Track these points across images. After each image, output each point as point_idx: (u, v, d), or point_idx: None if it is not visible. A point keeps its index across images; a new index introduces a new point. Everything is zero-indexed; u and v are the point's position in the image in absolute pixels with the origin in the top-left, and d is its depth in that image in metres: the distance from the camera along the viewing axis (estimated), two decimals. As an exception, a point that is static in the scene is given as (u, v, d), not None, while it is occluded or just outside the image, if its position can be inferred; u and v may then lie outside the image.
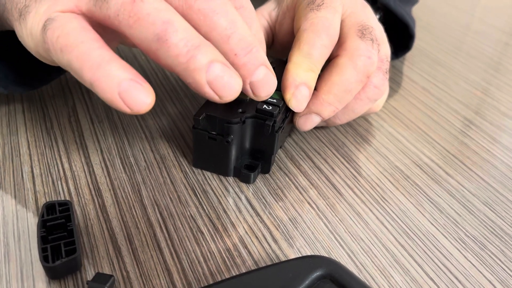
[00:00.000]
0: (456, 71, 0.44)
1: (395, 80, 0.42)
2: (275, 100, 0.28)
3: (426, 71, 0.44)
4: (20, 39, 0.25)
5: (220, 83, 0.22)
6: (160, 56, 0.22)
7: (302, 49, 0.28)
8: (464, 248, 0.26)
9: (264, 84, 0.25)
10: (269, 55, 0.29)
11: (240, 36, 0.23)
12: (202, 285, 0.22)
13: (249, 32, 0.24)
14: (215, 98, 0.23)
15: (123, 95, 0.20)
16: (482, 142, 0.35)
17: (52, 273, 0.22)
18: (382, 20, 0.41)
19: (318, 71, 0.29)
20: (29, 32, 0.23)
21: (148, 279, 0.23)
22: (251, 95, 0.25)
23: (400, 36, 0.42)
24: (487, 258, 0.25)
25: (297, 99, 0.28)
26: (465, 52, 0.48)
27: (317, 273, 0.21)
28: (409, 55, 0.46)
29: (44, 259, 0.22)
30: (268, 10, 0.35)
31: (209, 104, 0.27)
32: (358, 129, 0.35)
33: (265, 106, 0.27)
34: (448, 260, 0.25)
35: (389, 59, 0.32)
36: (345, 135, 0.34)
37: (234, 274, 0.23)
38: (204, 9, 0.23)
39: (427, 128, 0.36)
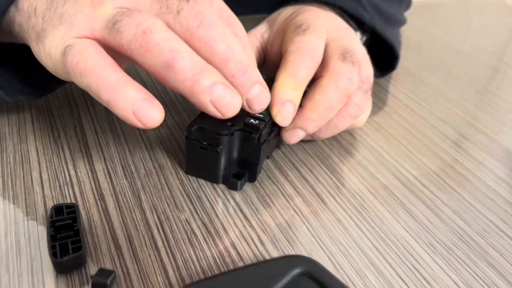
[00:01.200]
0: (439, 90, 0.47)
1: (380, 97, 0.45)
2: (262, 116, 0.30)
3: (410, 90, 0.47)
4: (36, 56, 0.28)
5: (222, 102, 0.26)
6: (168, 81, 0.25)
7: (288, 70, 0.31)
8: (433, 252, 0.28)
9: (258, 99, 0.28)
10: (260, 73, 0.32)
11: (236, 59, 0.26)
12: (194, 281, 0.25)
13: (245, 55, 0.27)
14: (218, 115, 0.26)
15: (137, 113, 0.24)
16: (459, 157, 0.37)
17: (60, 268, 0.24)
18: (369, 42, 0.44)
19: (303, 90, 0.32)
20: (47, 54, 0.26)
21: (146, 275, 0.25)
22: (247, 109, 0.29)
23: (386, 56, 0.45)
24: (454, 261, 0.28)
25: (282, 115, 0.31)
26: (449, 73, 0.51)
27: (297, 271, 0.24)
28: (395, 73, 0.49)
29: (53, 255, 0.24)
30: (261, 32, 0.38)
31: (201, 116, 0.30)
32: (342, 142, 0.38)
33: (252, 120, 0.30)
34: (418, 263, 0.28)
35: (370, 79, 0.35)
36: (330, 148, 0.37)
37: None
38: (205, 37, 0.26)
39: (407, 143, 0.38)
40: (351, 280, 0.26)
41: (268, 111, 0.31)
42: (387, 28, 0.44)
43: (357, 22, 0.41)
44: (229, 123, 0.30)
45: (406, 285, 0.26)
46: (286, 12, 0.38)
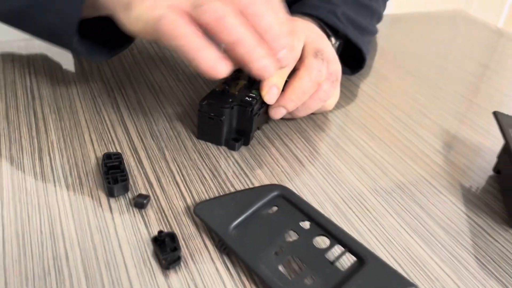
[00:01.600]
0: (398, 85, 0.58)
1: (349, 89, 0.56)
2: (254, 95, 0.41)
3: (374, 84, 0.58)
4: (121, 23, 0.38)
5: (265, 68, 0.35)
6: (235, 51, 0.34)
7: None
8: (376, 194, 0.39)
9: (285, 59, 0.37)
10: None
11: (272, 32, 0.36)
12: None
13: (277, 27, 0.36)
14: (260, 75, 0.35)
15: (213, 68, 0.34)
16: (405, 133, 0.48)
17: (111, 192, 0.35)
18: (343, 46, 0.55)
19: (285, 78, 0.43)
20: (135, 19, 0.36)
21: (170, 200, 0.36)
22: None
23: (356, 58, 0.57)
24: (392, 201, 0.39)
25: (269, 95, 0.42)
26: (407, 72, 0.62)
27: (274, 193, 0.35)
28: (364, 72, 0.60)
29: (107, 182, 0.35)
30: None
31: (210, 95, 0.41)
32: (316, 121, 0.49)
33: (247, 98, 0.41)
34: (365, 201, 0.38)
35: (337, 73, 0.46)
36: (306, 124, 0.48)
37: (224, 201, 0.36)
38: (252, 13, 0.35)
39: (368, 122, 0.49)
40: (313, 204, 0.37)
41: (258, 92, 0.42)
42: (357, 36, 0.55)
43: (332, 30, 0.53)
44: (230, 100, 0.41)
45: (355, 214, 0.37)
46: None
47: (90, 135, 0.42)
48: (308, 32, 0.47)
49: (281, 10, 0.39)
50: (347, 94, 0.55)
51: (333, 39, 0.53)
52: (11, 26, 0.45)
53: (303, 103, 0.45)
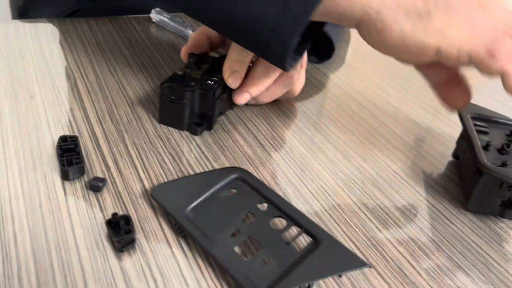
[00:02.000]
0: (364, 74, 0.59)
1: (315, 77, 0.56)
2: (217, 79, 0.41)
3: (342, 73, 0.58)
4: (378, 36, 0.33)
5: None
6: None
7: (235, 49, 0.42)
8: (337, 178, 0.39)
9: None
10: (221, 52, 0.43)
11: None
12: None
13: None
14: None
15: None
16: (369, 119, 0.48)
17: (65, 175, 0.34)
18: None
19: (247, 63, 0.42)
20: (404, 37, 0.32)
21: (127, 183, 0.35)
22: None
23: (326, 48, 0.57)
24: (351, 184, 0.39)
25: (232, 79, 0.41)
26: (377, 64, 0.62)
27: (233, 176, 0.34)
28: (333, 61, 0.60)
29: (62, 165, 0.34)
30: None
31: (171, 77, 0.40)
32: (281, 107, 0.48)
33: (209, 82, 0.40)
34: (326, 184, 0.38)
35: (302, 60, 0.46)
36: (271, 110, 0.48)
37: (184, 184, 0.36)
38: None
39: (331, 108, 0.49)
40: (273, 188, 0.37)
41: (220, 77, 0.42)
42: (328, 26, 0.55)
43: None
44: (192, 83, 0.40)
45: (315, 197, 0.37)
46: None
47: (47, 119, 0.41)
48: None
49: None
50: (315, 83, 0.55)
51: None
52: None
53: (268, 89, 0.44)
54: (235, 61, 0.42)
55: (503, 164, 0.36)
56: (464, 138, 0.40)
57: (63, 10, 0.64)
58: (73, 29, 0.57)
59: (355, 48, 0.66)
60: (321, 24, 0.39)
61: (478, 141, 0.38)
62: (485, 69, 0.31)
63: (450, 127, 0.49)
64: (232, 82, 0.41)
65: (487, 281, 0.32)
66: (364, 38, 0.35)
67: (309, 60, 0.56)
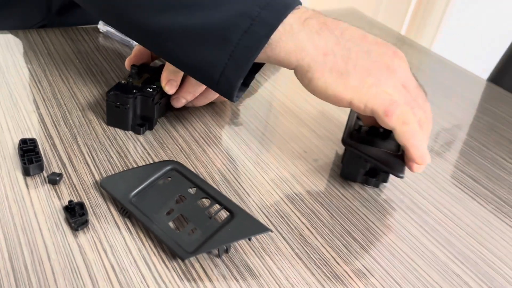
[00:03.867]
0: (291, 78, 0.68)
1: (249, 80, 0.64)
2: (155, 87, 0.49)
3: (269, 77, 0.67)
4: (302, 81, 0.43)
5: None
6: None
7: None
8: (259, 167, 0.48)
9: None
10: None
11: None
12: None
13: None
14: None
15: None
16: (288, 116, 0.58)
17: (26, 172, 0.41)
18: None
19: (181, 74, 0.50)
20: (324, 87, 0.41)
21: (81, 176, 0.42)
22: None
23: None
24: (270, 172, 0.48)
25: (168, 87, 0.49)
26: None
27: (168, 167, 0.42)
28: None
29: (23, 163, 0.41)
30: None
31: (116, 86, 0.48)
32: (215, 108, 0.57)
33: (149, 89, 0.48)
34: (249, 173, 0.47)
35: None
36: (206, 111, 0.56)
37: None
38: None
39: (258, 108, 0.58)
40: (205, 177, 0.45)
41: (159, 84, 0.49)
42: None
43: None
44: (134, 91, 0.47)
45: (238, 182, 0.45)
46: None
47: (7, 124, 0.47)
48: None
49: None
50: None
51: None
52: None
53: (201, 94, 0.52)
54: (171, 71, 0.49)
55: (362, 142, 0.46)
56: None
57: (31, 24, 0.68)
58: (25, 40, 0.63)
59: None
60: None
61: (353, 124, 0.49)
62: (381, 123, 0.41)
63: (357, 120, 0.59)
64: (169, 89, 0.49)
65: (366, 239, 0.42)
66: (299, 80, 0.44)
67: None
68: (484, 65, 1.01)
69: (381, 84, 0.41)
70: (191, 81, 0.50)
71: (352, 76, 0.41)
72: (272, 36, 0.40)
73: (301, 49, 0.41)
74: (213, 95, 0.54)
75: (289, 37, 0.41)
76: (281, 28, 0.40)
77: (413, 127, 0.40)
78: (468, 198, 0.49)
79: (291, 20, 0.41)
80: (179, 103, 0.51)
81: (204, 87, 0.52)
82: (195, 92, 0.51)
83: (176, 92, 0.51)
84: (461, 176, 0.52)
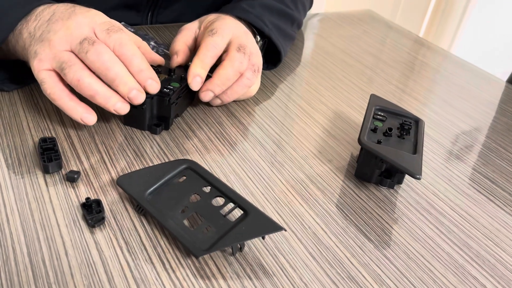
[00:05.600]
0: (303, 78, 0.68)
1: (262, 82, 0.65)
2: (172, 87, 0.49)
3: (284, 78, 0.67)
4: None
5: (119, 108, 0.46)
6: (94, 100, 0.45)
7: (199, 57, 0.51)
8: (272, 166, 0.48)
9: (149, 87, 0.47)
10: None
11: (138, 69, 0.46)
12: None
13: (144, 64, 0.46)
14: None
15: (82, 119, 0.45)
16: (302, 118, 0.58)
17: (46, 169, 0.42)
18: (266, 45, 0.64)
19: (207, 69, 0.51)
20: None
21: (98, 174, 0.43)
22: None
23: (276, 56, 0.66)
24: (284, 171, 0.48)
25: (193, 83, 0.50)
26: (316, 68, 0.72)
27: (184, 166, 0.43)
28: (280, 68, 0.69)
29: (43, 161, 0.42)
30: (194, 28, 0.59)
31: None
32: (230, 109, 0.57)
33: (165, 89, 0.49)
34: (262, 172, 0.47)
35: (258, 64, 0.55)
36: (221, 111, 0.56)
37: (144, 174, 0.44)
38: (125, 58, 0.45)
39: (273, 110, 0.58)
40: (219, 176, 0.45)
41: (176, 84, 0.50)
42: (279, 39, 0.64)
43: (258, 31, 0.62)
44: (151, 91, 0.48)
45: (252, 181, 0.46)
46: (210, 17, 0.58)
47: (28, 123, 0.48)
48: (235, 30, 0.55)
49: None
50: (262, 88, 0.64)
51: (258, 37, 0.62)
52: None
53: (231, 88, 0.53)
54: (196, 68, 0.50)
55: (378, 142, 0.46)
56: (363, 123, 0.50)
57: None
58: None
59: (297, 55, 0.75)
60: None
61: (369, 124, 0.48)
62: None
63: (372, 122, 0.59)
64: (194, 85, 0.50)
65: (381, 240, 0.41)
66: None
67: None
68: (504, 67, 0.99)
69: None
70: (220, 75, 0.51)
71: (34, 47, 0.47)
72: None
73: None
74: (241, 89, 0.54)
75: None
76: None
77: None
78: (485, 199, 0.48)
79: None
80: (207, 96, 0.52)
81: (232, 81, 0.52)
82: (223, 85, 0.52)
83: (205, 86, 0.52)
84: (478, 178, 0.51)
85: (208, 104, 0.56)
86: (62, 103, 0.45)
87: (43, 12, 0.48)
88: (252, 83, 0.55)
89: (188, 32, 0.58)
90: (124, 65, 0.45)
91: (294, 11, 0.71)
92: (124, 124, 0.50)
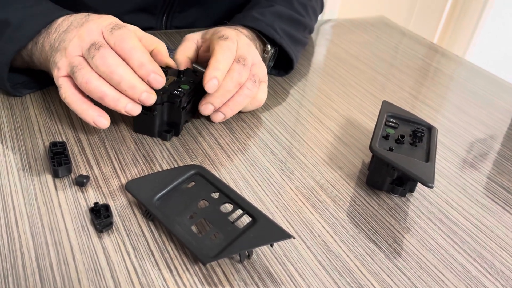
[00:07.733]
0: (315, 84, 0.67)
1: (274, 89, 0.64)
2: (182, 90, 0.49)
3: (295, 84, 0.67)
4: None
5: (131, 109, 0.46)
6: (103, 102, 0.46)
7: (217, 58, 0.50)
8: (282, 172, 0.48)
9: (153, 81, 0.46)
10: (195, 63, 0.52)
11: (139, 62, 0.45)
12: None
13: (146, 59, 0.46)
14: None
15: (95, 122, 0.45)
16: (311, 122, 0.57)
17: (55, 174, 0.42)
18: (276, 53, 0.64)
19: (225, 72, 0.50)
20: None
21: (107, 179, 0.43)
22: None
23: (288, 63, 0.66)
24: (292, 176, 0.47)
25: (210, 85, 0.49)
26: (327, 73, 0.71)
27: (192, 171, 0.42)
28: (292, 75, 0.69)
29: (52, 165, 0.42)
30: (197, 37, 0.58)
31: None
32: (240, 115, 0.57)
33: (175, 92, 0.48)
34: (271, 178, 0.47)
35: (260, 74, 0.55)
36: (236, 122, 0.56)
37: (153, 179, 0.44)
38: (124, 53, 0.45)
39: (283, 115, 0.58)
40: (228, 182, 0.45)
41: (186, 87, 0.50)
42: (290, 46, 0.64)
43: (269, 39, 0.62)
44: (161, 92, 0.48)
45: (262, 188, 0.45)
46: (214, 29, 0.58)
47: (39, 128, 0.49)
48: (239, 39, 0.55)
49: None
50: (274, 95, 0.63)
51: (269, 46, 0.62)
52: None
53: (232, 99, 0.53)
54: (214, 70, 0.49)
55: (390, 149, 0.45)
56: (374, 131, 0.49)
57: None
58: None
59: (309, 61, 0.75)
60: None
61: (380, 131, 0.47)
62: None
63: (384, 128, 0.58)
64: (210, 88, 0.49)
65: (392, 249, 0.40)
66: None
67: (270, 73, 0.65)
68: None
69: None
70: (219, 87, 0.51)
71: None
72: None
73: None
74: (243, 100, 0.53)
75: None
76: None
77: None
78: (500, 209, 0.47)
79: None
80: (207, 109, 0.52)
81: (232, 93, 0.52)
82: (223, 98, 0.51)
83: (204, 99, 0.51)
84: (493, 187, 0.50)
85: (218, 110, 0.56)
86: (76, 106, 0.46)
87: (62, 23, 0.49)
88: (253, 93, 0.54)
89: (189, 43, 0.58)
90: (125, 61, 0.45)
91: (306, 17, 0.71)
92: (134, 131, 0.50)
